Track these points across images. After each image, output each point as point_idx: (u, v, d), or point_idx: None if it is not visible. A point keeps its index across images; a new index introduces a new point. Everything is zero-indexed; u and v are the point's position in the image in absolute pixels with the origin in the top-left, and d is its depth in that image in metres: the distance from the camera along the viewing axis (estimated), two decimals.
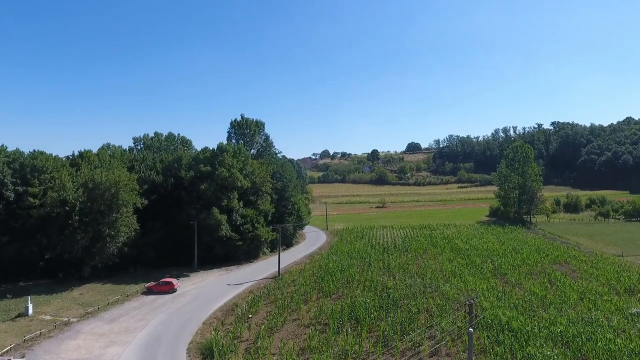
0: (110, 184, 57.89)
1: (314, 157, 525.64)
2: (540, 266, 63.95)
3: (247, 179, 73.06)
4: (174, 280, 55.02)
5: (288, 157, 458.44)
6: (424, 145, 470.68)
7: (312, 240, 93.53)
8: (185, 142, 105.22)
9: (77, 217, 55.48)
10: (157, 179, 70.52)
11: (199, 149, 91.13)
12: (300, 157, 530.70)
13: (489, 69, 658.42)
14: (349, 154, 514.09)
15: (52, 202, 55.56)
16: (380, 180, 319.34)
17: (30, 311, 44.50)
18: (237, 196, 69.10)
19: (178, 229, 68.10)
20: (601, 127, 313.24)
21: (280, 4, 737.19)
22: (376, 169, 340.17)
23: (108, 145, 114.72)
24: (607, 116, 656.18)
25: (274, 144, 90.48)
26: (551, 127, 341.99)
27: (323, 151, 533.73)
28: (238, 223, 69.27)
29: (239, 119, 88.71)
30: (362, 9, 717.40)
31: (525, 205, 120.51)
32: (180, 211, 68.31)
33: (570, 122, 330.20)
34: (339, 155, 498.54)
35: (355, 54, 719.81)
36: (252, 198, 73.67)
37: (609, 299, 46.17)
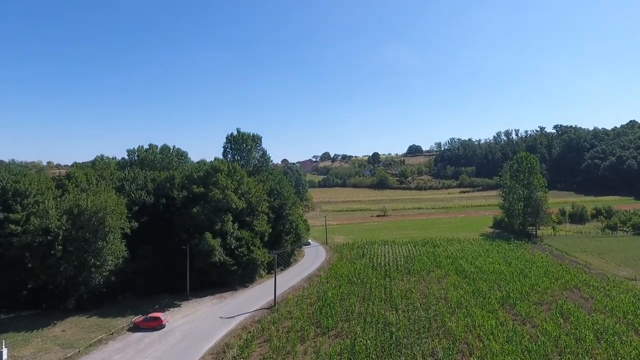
0: (96, 209, 54.72)
1: (314, 160, 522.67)
2: (551, 293, 60.75)
3: (243, 198, 69.88)
4: (162, 315, 51.77)
5: (289, 161, 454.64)
6: (425, 147, 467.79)
7: (311, 257, 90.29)
8: (181, 155, 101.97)
9: (60, 247, 52.29)
10: (148, 200, 67.33)
11: (196, 160, 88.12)
12: (301, 160, 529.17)
13: (491, 70, 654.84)
14: (350, 156, 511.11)
15: (34, 231, 52.44)
16: (381, 185, 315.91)
17: (5, 356, 41.31)
18: (231, 218, 65.88)
19: (170, 253, 64.99)
20: (605, 131, 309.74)
21: (281, 6, 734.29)
22: (377, 173, 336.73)
23: (102, 157, 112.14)
24: (610, 119, 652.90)
25: (271, 159, 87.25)
26: (554, 131, 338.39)
27: (324, 153, 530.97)
28: (233, 246, 66.05)
29: (235, 132, 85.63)
30: (362, 10, 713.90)
31: (530, 217, 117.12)
32: (172, 234, 65.21)
33: (574, 126, 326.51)
34: (339, 158, 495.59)
35: (356, 56, 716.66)
36: (248, 219, 70.45)
37: (628, 340, 42.89)
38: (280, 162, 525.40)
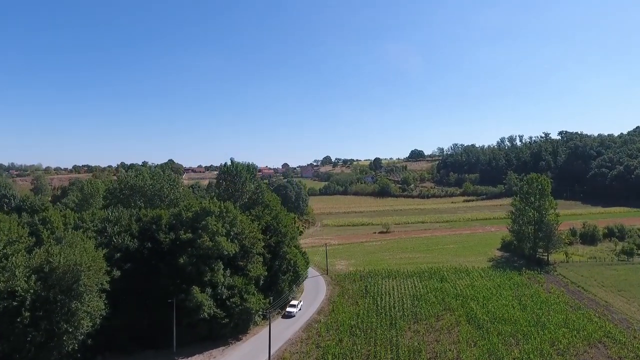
0: (69, 266, 49.05)
1: (315, 164, 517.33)
2: (574, 351, 55.05)
3: (236, 240, 64.22)
4: None
5: (289, 165, 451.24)
6: (427, 152, 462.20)
7: (311, 295, 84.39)
8: (172, 181, 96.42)
9: (27, 314, 46.62)
10: (131, 245, 61.55)
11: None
12: (302, 164, 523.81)
13: (493, 72, 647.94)
14: (351, 160, 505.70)
15: None
16: (383, 192, 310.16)
17: None
18: (222, 267, 60.22)
19: (155, 305, 59.24)
20: (611, 138, 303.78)
21: (284, 9, 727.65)
22: (379, 180, 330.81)
23: (90, 182, 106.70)
24: (615, 124, 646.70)
25: (267, 187, 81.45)
26: (559, 137, 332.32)
27: (324, 157, 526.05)
28: (224, 297, 60.40)
29: (229, 162, 79.94)
30: (364, 11, 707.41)
31: (541, 242, 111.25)
32: (158, 283, 59.51)
33: (579, 133, 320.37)
34: (340, 163, 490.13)
35: (357, 57, 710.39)
36: (241, 263, 64.78)
37: None
38: (280, 167, 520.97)
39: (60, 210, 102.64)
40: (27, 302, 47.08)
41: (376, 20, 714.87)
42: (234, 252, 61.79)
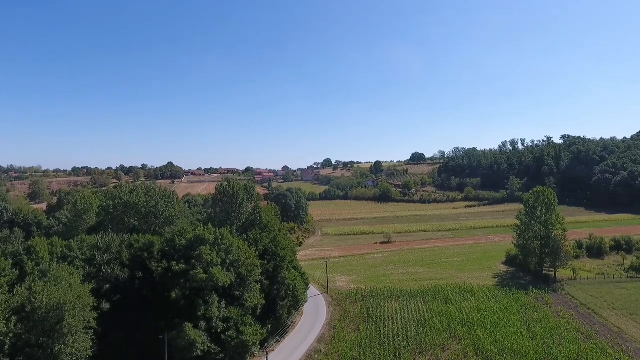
0: (53, 306, 45.93)
1: (315, 167, 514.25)
2: None
3: (232, 269, 61.09)
4: None
5: (290, 168, 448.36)
6: (428, 154, 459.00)
7: (311, 318, 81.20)
8: (168, 197, 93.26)
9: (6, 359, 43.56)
10: (121, 275, 58.49)
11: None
12: (302, 167, 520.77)
13: (494, 74, 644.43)
14: (352, 162, 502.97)
15: None
16: (384, 197, 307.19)
17: None
18: (217, 299, 57.07)
19: (146, 339, 56.14)
20: (614, 142, 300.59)
21: (284, 11, 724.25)
22: (380, 185, 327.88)
23: (84, 197, 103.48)
24: (618, 127, 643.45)
25: (266, 199, 78.24)
26: (561, 141, 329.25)
27: (325, 160, 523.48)
28: (219, 330, 57.30)
29: (226, 183, 76.66)
30: (365, 12, 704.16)
31: (548, 258, 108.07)
32: (149, 317, 56.42)
33: (582, 137, 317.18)
34: (340, 166, 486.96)
35: (358, 58, 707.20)
36: (237, 292, 61.60)
37: None
38: (280, 169, 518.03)
39: (48, 238, 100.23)
40: (6, 347, 44.00)
41: (377, 22, 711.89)
42: (229, 282, 58.64)
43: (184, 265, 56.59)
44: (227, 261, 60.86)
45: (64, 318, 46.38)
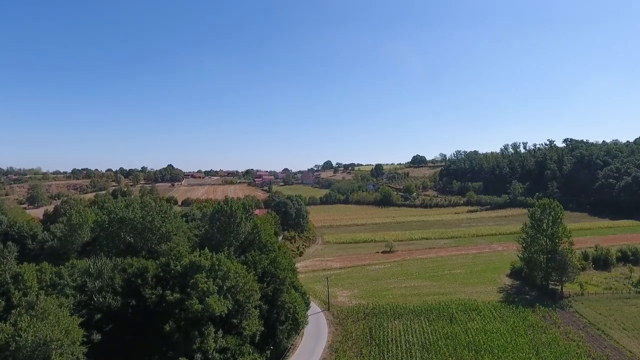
0: (38, 344, 43.39)
1: (315, 169, 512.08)
2: None
3: (229, 295, 58.52)
4: None
5: (290, 170, 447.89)
6: (429, 157, 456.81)
7: (311, 341, 78.46)
8: (164, 213, 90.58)
9: None
10: (113, 303, 55.93)
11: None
12: (302, 169, 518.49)
13: (495, 75, 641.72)
14: (352, 164, 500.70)
15: None
16: (385, 201, 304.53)
17: None
18: (213, 330, 54.47)
19: None
20: (618, 147, 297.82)
21: (285, 12, 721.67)
22: (381, 189, 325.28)
23: (78, 211, 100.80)
24: (618, 128, 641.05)
25: (263, 226, 75.71)
26: (563, 145, 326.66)
27: (325, 162, 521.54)
28: None
29: (222, 203, 74.01)
30: (367, 13, 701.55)
31: (554, 272, 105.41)
32: (142, 349, 53.86)
33: (584, 141, 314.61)
34: (341, 169, 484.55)
35: (358, 58, 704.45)
36: (235, 321, 59.03)
37: None
38: (280, 172, 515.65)
39: (42, 251, 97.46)
40: None
41: (379, 23, 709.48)
42: (226, 311, 56.08)
43: (178, 295, 54.04)
44: (225, 287, 58.30)
45: (51, 357, 43.85)
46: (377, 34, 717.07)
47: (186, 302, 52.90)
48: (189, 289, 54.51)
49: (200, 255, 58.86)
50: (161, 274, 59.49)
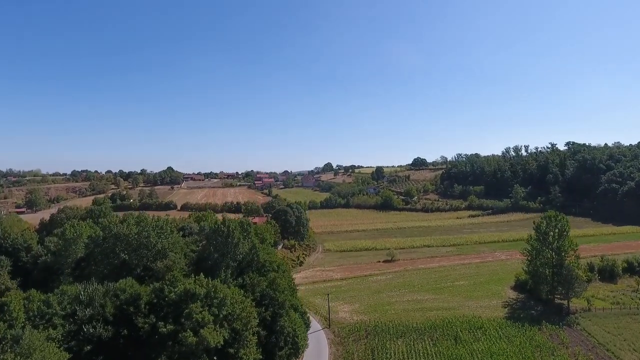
0: None
1: (316, 171, 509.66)
2: None
3: (225, 323, 56.03)
4: None
5: (290, 172, 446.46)
6: (430, 159, 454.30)
7: None
8: (160, 228, 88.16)
9: None
10: (104, 333, 53.41)
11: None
12: (302, 170, 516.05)
13: (495, 77, 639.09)
14: (353, 166, 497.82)
15: None
16: (386, 205, 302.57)
17: None
18: None
19: None
20: (621, 150, 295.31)
21: (285, 12, 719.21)
22: (381, 193, 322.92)
23: (73, 224, 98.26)
24: (619, 130, 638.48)
25: (261, 245, 73.20)
26: (565, 148, 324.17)
27: (325, 164, 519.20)
28: None
29: (220, 222, 71.49)
30: (368, 13, 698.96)
31: (560, 287, 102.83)
32: None
33: (587, 144, 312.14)
34: (341, 171, 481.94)
35: (359, 61, 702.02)
36: (231, 350, 56.50)
37: None
38: (280, 174, 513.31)
39: (35, 266, 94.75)
40: None
41: (380, 25, 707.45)
42: (222, 342, 53.58)
43: (172, 327, 51.54)
44: (221, 316, 55.82)
45: None
46: (379, 35, 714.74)
47: (180, 335, 50.40)
48: (183, 319, 52.04)
49: (195, 282, 56.34)
50: (155, 300, 56.98)
